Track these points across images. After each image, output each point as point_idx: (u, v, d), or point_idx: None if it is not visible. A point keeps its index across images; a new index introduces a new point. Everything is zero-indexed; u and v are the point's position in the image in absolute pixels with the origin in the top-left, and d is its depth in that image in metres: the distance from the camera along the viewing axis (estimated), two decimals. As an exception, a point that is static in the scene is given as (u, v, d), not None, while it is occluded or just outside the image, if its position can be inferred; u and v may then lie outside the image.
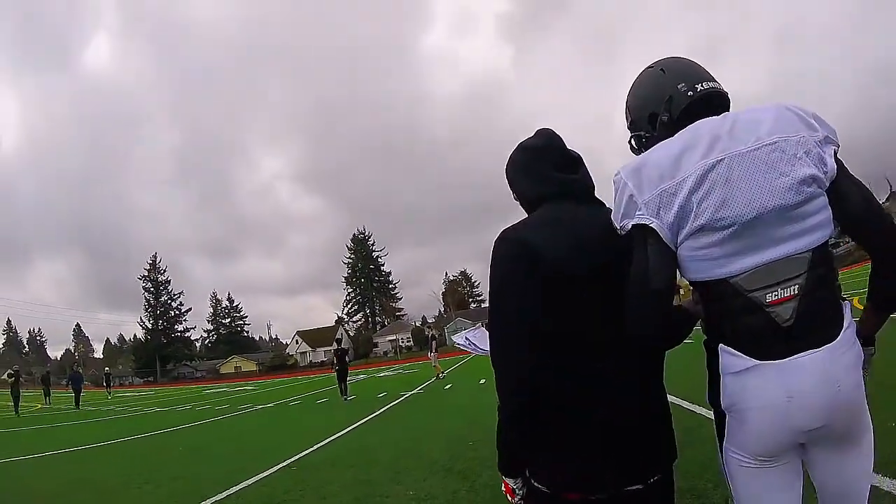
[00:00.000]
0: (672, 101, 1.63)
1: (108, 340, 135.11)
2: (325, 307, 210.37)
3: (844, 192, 1.41)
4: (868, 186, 1.45)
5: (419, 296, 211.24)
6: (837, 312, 1.40)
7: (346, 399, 16.93)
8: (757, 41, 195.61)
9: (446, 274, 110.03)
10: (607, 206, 1.68)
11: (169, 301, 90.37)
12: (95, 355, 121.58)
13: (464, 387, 16.14)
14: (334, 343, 21.71)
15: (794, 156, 1.37)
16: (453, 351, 36.42)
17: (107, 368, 48.66)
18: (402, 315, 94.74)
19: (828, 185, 1.38)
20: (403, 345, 75.95)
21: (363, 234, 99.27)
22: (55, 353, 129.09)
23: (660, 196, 1.43)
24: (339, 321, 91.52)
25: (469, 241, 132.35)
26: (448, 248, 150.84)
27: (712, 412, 1.57)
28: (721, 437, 1.52)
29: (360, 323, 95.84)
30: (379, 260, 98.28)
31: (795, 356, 1.34)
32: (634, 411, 1.50)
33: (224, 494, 5.96)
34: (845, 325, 1.38)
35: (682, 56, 1.74)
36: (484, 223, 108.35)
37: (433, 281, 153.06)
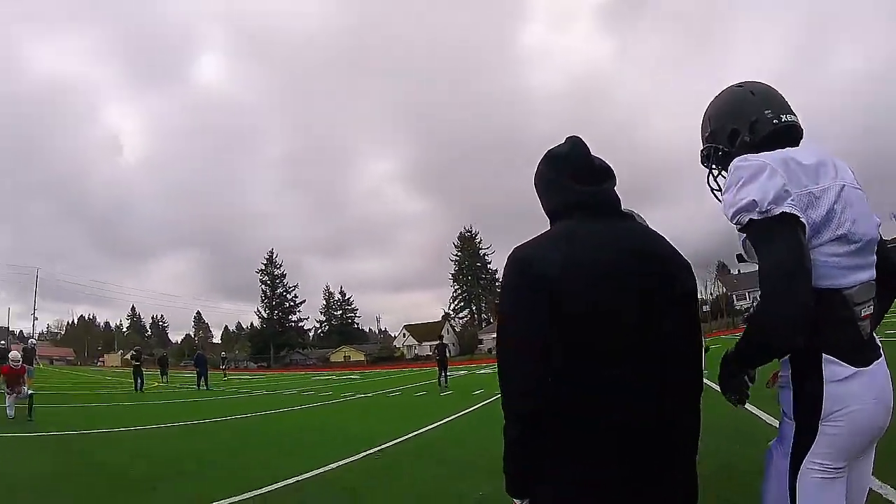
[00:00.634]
0: (757, 123, 1.75)
1: (226, 327, 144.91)
2: (433, 303, 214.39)
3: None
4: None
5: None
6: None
7: (442, 392, 17.15)
8: (868, 18, 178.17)
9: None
10: (637, 218, 1.72)
11: (284, 293, 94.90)
12: (214, 340, 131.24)
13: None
14: (438, 338, 23.61)
15: (868, 203, 1.63)
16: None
17: (223, 353, 51.72)
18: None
19: None
20: (508, 343, 75.09)
21: (469, 231, 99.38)
22: (176, 337, 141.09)
23: (808, 196, 1.52)
24: (446, 317, 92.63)
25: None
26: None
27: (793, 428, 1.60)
28: (801, 454, 1.56)
29: (465, 319, 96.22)
30: (485, 257, 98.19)
31: (873, 364, 1.54)
32: (651, 415, 1.41)
33: (307, 475, 6.09)
34: (877, 339, 1.62)
35: (769, 84, 1.83)
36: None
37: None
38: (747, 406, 2.06)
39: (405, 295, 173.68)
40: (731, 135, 1.80)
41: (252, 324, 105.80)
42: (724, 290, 73.43)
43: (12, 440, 8.82)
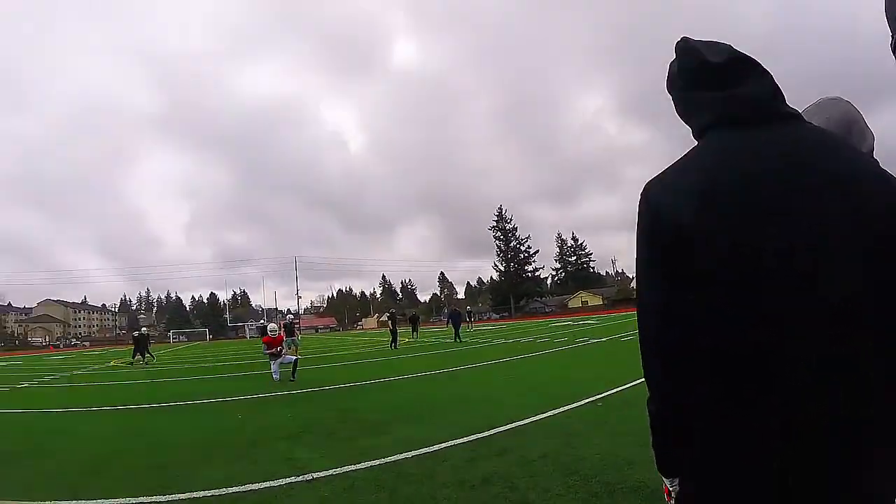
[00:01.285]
0: None
1: (468, 283, 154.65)
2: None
3: None
4: None
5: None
6: None
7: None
8: None
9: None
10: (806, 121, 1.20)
11: (518, 245, 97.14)
12: (458, 296, 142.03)
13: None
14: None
15: None
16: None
17: (468, 307, 54.69)
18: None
19: None
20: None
21: None
22: (424, 297, 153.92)
23: None
24: None
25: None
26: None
27: None
28: None
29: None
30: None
31: None
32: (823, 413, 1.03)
33: (529, 420, 6.28)
34: None
35: None
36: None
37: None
38: None
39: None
40: None
41: (491, 277, 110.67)
42: None
43: (276, 398, 10.30)
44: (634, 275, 1.27)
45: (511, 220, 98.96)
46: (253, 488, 4.51)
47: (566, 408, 6.80)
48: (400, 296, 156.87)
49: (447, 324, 30.47)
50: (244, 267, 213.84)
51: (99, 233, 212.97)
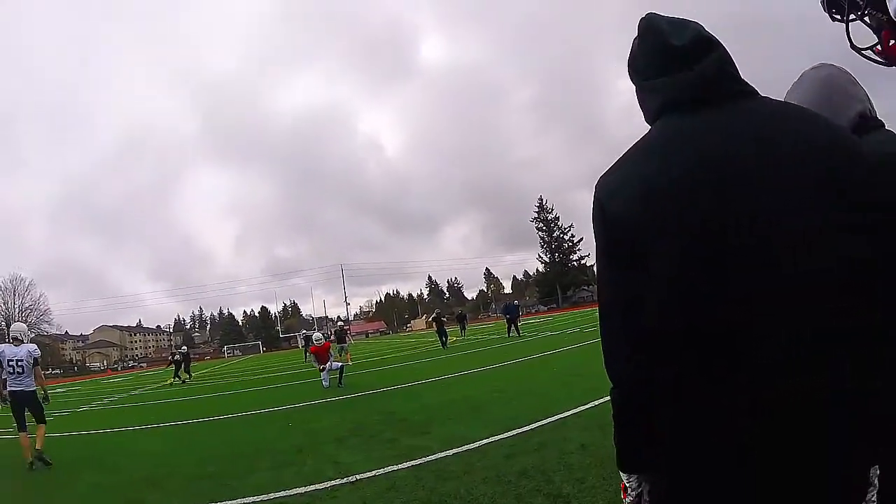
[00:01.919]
0: None
1: (514, 277, 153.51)
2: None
3: None
4: None
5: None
6: None
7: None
8: None
9: None
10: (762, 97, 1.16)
11: (561, 235, 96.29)
12: (505, 291, 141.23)
13: None
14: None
15: None
16: None
17: (515, 301, 54.52)
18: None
19: None
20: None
21: None
22: (471, 294, 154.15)
23: None
24: None
25: None
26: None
27: None
28: None
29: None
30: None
31: None
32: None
33: (569, 412, 6.33)
34: None
35: None
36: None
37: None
38: None
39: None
40: None
41: (537, 269, 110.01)
42: None
43: (324, 404, 10.55)
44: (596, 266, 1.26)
45: (552, 210, 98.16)
46: (299, 491, 4.67)
47: (606, 398, 6.76)
48: (447, 295, 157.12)
49: (504, 318, 29.63)
50: (293, 278, 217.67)
51: (150, 256, 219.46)
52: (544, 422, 5.99)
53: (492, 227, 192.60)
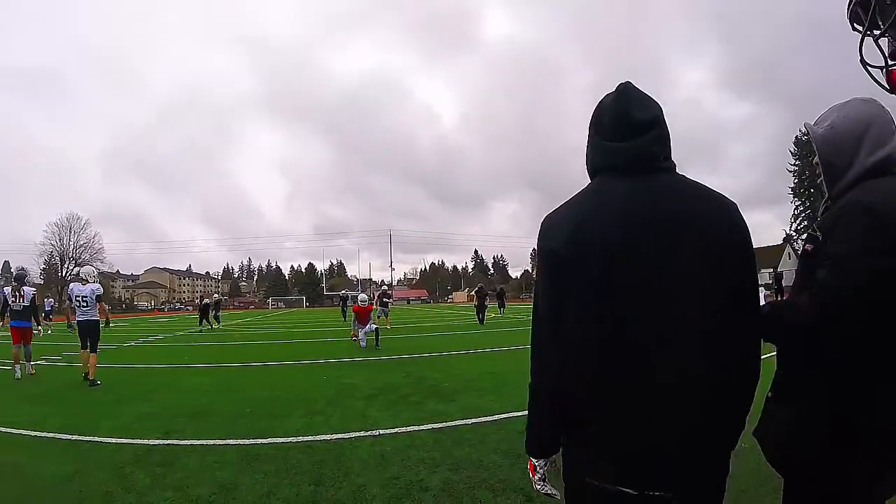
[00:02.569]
0: None
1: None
2: (773, 223, 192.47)
3: None
4: None
5: None
6: None
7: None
8: None
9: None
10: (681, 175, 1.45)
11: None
12: None
13: None
14: (772, 268, 21.27)
15: None
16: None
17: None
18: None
19: None
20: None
21: (807, 134, 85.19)
22: (515, 273, 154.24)
23: None
24: (787, 239, 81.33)
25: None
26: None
27: None
28: None
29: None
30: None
31: None
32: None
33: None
34: None
35: None
36: None
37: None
38: None
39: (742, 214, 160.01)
40: None
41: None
42: None
43: (359, 363, 11.03)
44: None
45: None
46: (325, 438, 5.05)
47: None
48: (492, 271, 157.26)
49: None
50: (340, 239, 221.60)
51: (204, 206, 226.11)
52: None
53: (541, 209, 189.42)
